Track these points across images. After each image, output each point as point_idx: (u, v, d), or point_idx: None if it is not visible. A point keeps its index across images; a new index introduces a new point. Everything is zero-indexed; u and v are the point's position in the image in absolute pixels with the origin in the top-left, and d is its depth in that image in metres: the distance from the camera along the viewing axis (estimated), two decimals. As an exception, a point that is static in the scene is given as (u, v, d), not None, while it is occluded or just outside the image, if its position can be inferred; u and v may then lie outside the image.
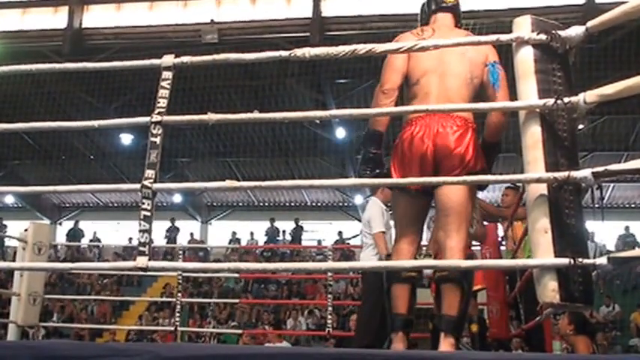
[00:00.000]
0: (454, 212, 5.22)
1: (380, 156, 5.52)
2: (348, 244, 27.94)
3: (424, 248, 10.72)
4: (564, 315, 8.46)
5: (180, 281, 12.98)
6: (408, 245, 5.48)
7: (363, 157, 5.57)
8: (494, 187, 26.82)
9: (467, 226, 5.27)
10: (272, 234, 31.37)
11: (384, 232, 9.31)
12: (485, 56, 5.37)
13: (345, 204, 33.00)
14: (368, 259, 9.41)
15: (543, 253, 3.98)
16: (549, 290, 3.93)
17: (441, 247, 5.35)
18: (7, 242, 30.94)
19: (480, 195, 10.69)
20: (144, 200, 4.37)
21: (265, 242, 30.82)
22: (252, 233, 31.71)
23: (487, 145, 5.45)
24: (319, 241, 30.46)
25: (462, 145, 5.19)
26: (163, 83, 4.65)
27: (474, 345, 9.64)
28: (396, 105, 5.44)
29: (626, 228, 28.02)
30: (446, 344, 5.08)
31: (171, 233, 31.12)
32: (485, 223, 10.34)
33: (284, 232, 31.33)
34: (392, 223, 6.63)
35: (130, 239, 27.20)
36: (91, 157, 30.76)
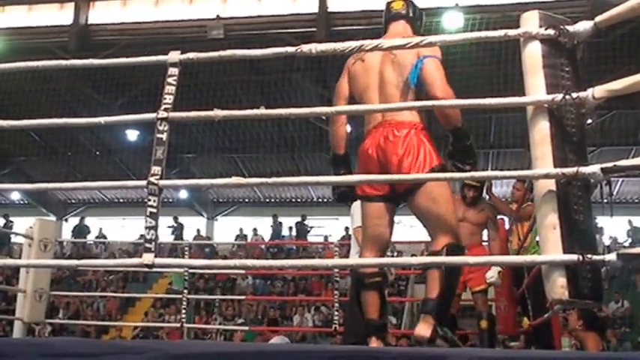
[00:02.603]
0: (428, 217, 5.33)
1: (349, 174, 5.74)
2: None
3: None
4: (573, 311, 8.44)
5: (186, 278, 12.97)
6: (369, 252, 5.56)
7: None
8: (502, 183, 26.87)
9: (447, 221, 5.30)
10: (276, 230, 31.39)
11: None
12: (415, 54, 5.31)
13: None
14: (353, 256, 9.32)
15: (552, 249, 3.95)
16: (558, 286, 3.90)
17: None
18: (13, 239, 30.93)
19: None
20: (150, 197, 4.35)
21: (270, 239, 30.83)
22: (255, 230, 31.68)
23: (452, 134, 5.38)
24: (326, 237, 30.42)
25: (403, 148, 5.30)
26: (169, 79, 4.63)
27: (482, 341, 9.62)
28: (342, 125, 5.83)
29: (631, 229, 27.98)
30: (422, 323, 5.20)
31: (177, 230, 31.15)
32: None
33: (290, 228, 31.30)
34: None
35: (142, 236, 27.16)
36: (97, 153, 30.79)
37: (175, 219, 31.41)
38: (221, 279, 26.05)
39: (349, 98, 5.72)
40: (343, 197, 5.94)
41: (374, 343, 5.40)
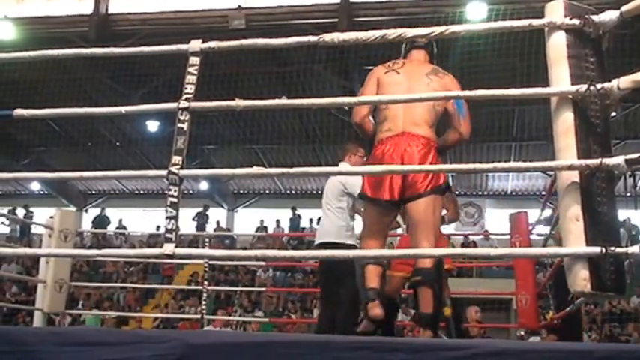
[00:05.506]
0: (421, 223, 5.76)
1: None
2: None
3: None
4: None
5: (206, 269, 12.96)
6: (373, 241, 6.06)
7: None
8: (525, 176, 26.71)
9: (434, 233, 5.83)
10: (294, 222, 31.41)
11: None
12: (447, 89, 5.78)
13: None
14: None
15: (574, 241, 3.93)
16: (580, 279, 3.89)
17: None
18: (34, 229, 31.04)
19: (514, 183, 10.66)
20: (170, 187, 4.35)
21: (289, 231, 30.87)
22: (277, 221, 31.68)
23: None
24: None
25: (426, 163, 5.69)
26: (190, 69, 4.63)
27: (449, 329, 9.45)
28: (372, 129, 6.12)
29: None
30: (425, 336, 5.79)
31: (201, 219, 31.23)
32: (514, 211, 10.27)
33: (311, 220, 31.26)
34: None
35: (158, 227, 27.12)
36: (117, 143, 30.79)
37: (206, 208, 31.67)
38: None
39: (374, 108, 6.10)
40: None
41: (374, 308, 5.86)
